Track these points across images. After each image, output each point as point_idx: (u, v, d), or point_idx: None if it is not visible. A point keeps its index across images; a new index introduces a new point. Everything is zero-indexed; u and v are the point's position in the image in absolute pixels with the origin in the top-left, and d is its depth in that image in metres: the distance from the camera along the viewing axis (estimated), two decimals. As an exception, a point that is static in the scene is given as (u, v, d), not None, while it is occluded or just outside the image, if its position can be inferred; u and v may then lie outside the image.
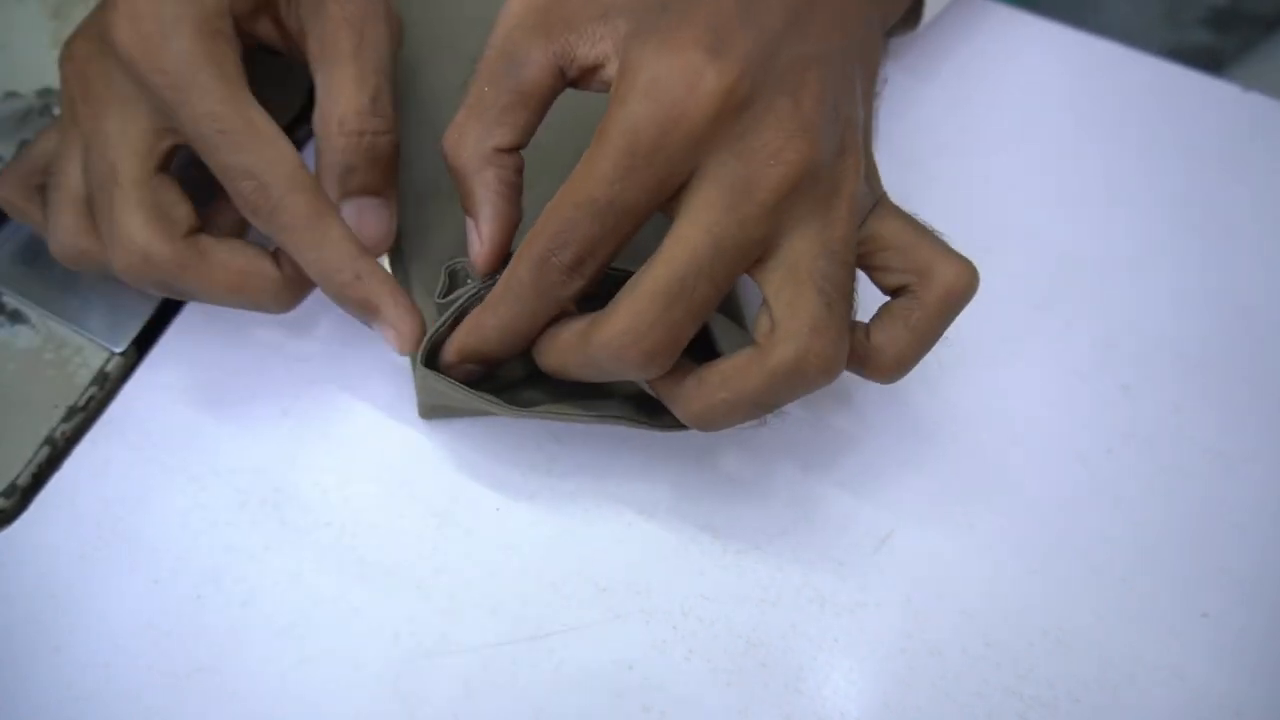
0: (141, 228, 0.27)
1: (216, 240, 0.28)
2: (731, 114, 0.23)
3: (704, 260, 0.23)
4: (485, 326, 0.26)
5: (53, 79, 0.36)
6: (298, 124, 0.35)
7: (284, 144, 0.27)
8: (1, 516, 0.30)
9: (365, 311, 0.28)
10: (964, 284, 0.25)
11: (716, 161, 0.23)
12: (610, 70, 0.25)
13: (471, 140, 0.26)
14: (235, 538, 0.30)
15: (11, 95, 0.36)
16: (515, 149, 0.26)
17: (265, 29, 0.29)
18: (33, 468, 0.31)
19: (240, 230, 0.30)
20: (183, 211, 0.28)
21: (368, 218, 0.28)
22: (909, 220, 0.26)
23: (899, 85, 0.37)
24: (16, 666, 0.28)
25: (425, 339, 0.28)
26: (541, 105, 0.26)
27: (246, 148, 0.26)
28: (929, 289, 0.25)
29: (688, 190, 0.24)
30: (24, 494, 0.30)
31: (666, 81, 0.22)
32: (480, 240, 0.27)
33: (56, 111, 0.35)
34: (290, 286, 0.28)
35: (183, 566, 0.30)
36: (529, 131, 0.26)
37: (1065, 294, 0.34)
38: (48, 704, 0.28)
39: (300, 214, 0.26)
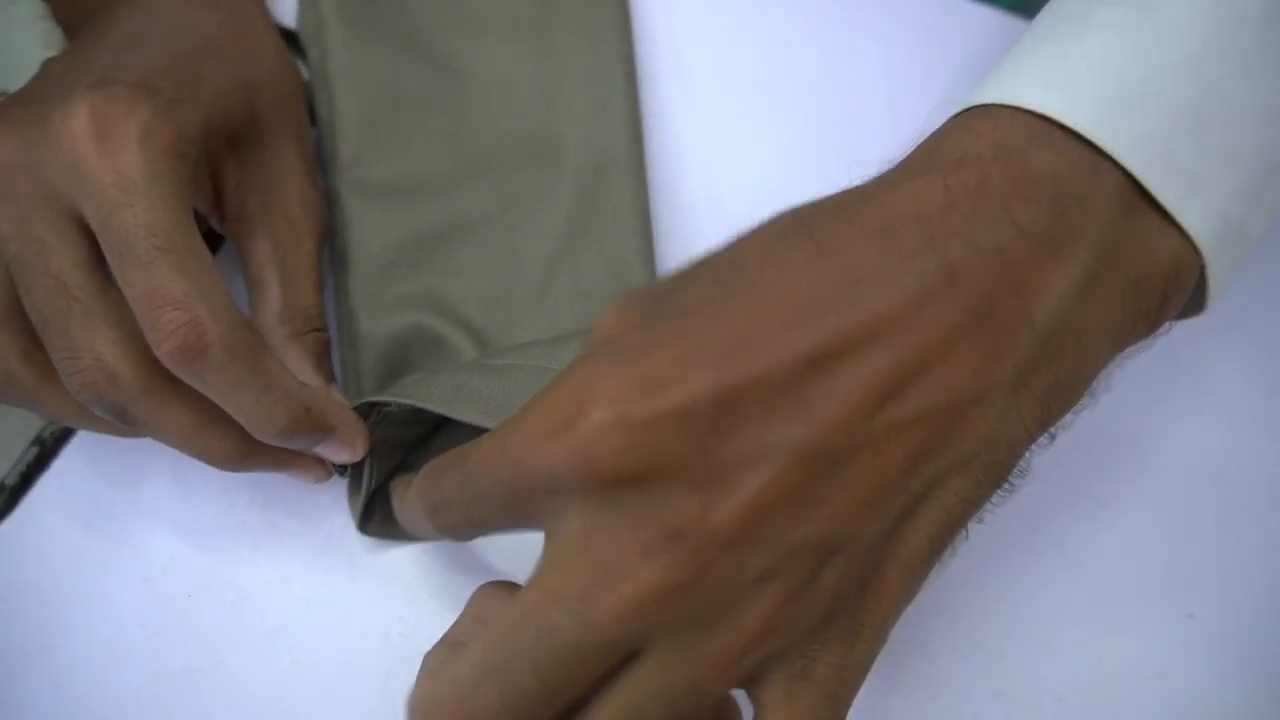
0: (107, 346, 0.24)
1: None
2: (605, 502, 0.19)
3: (529, 641, 0.20)
4: None
5: (44, 79, 0.36)
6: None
7: (219, 279, 0.24)
8: (-10, 516, 0.30)
9: (318, 436, 0.26)
10: None
11: (580, 521, 0.20)
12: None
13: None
14: (225, 539, 0.30)
15: (3, 94, 0.36)
16: None
17: (201, 179, 0.27)
18: (21, 467, 0.31)
19: None
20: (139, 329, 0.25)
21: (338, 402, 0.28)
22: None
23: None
24: (6, 666, 0.28)
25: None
26: None
27: (187, 272, 0.23)
28: None
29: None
30: (12, 494, 0.30)
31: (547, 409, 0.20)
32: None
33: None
34: (248, 451, 0.26)
35: (173, 567, 0.30)
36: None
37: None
38: (38, 705, 0.28)
39: (241, 352, 0.24)
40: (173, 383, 0.25)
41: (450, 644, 0.21)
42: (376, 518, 0.29)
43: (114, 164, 0.23)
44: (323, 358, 0.29)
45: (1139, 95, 0.21)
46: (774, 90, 0.36)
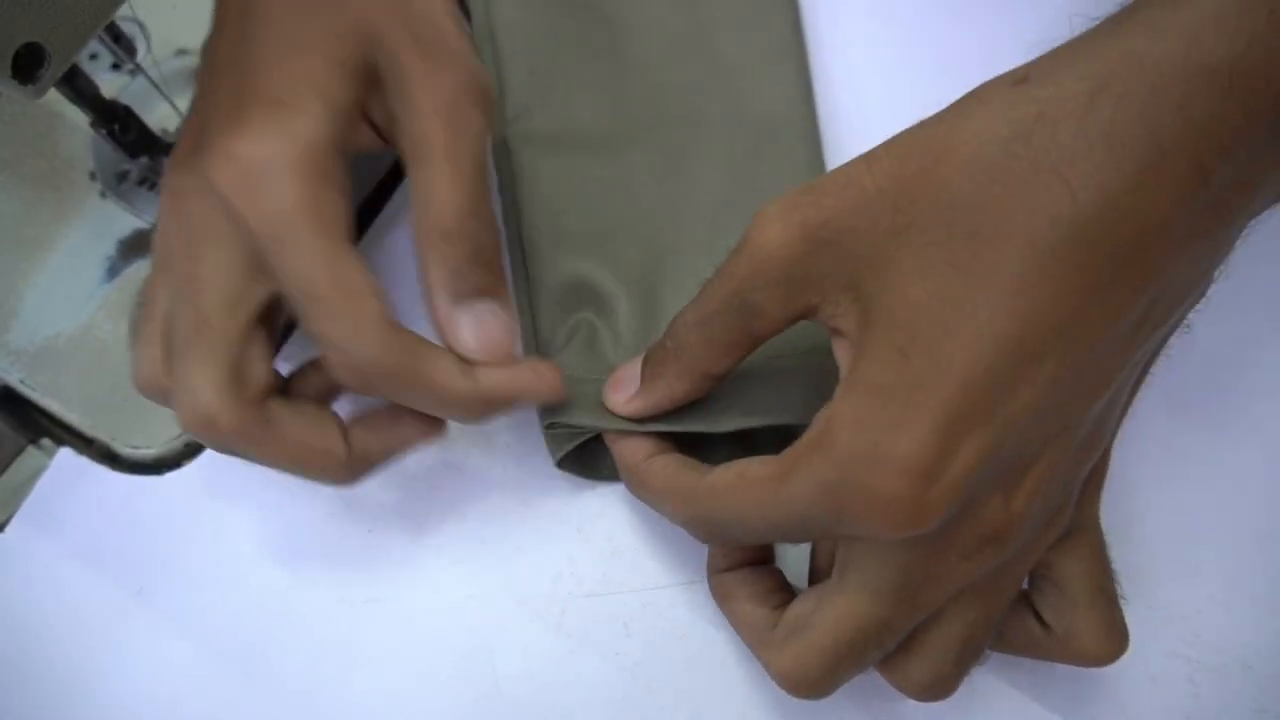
0: (208, 388, 0.25)
1: (288, 406, 0.26)
2: (925, 534, 0.21)
3: (871, 635, 0.23)
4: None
5: (219, 36, 0.37)
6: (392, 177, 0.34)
7: (371, 304, 0.24)
8: None
9: (504, 412, 0.27)
10: (1095, 658, 0.25)
11: (898, 545, 0.22)
12: (841, 351, 0.23)
13: (692, 355, 0.25)
14: (405, 477, 0.31)
15: (182, 53, 0.37)
16: (723, 377, 0.26)
17: (365, 138, 0.27)
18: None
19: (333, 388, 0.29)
20: (260, 371, 0.26)
21: (487, 324, 0.26)
22: (1093, 570, 0.25)
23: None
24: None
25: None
26: (762, 343, 0.25)
27: (333, 316, 0.24)
28: (1062, 647, 0.25)
29: (853, 541, 0.23)
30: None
31: (863, 497, 0.21)
32: (639, 398, 0.27)
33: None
34: (352, 467, 0.27)
35: (356, 501, 0.31)
36: (741, 361, 0.25)
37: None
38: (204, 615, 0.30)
39: (395, 380, 0.25)
40: (268, 422, 0.25)
41: (789, 627, 0.25)
42: (574, 454, 0.30)
43: (257, 211, 0.24)
44: (458, 273, 0.26)
45: None
46: (947, 44, 0.35)
